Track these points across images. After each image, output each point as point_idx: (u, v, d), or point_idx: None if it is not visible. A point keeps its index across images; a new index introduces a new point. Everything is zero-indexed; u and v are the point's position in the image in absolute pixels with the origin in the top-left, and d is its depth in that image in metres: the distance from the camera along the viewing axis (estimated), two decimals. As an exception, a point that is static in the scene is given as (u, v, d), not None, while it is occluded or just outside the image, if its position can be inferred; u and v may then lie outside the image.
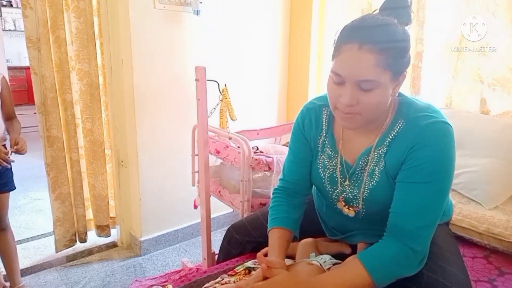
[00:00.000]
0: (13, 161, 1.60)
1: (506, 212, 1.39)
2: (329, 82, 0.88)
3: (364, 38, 0.79)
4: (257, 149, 1.82)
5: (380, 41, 0.79)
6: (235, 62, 2.37)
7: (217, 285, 0.98)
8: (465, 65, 1.77)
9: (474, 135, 1.56)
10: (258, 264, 1.05)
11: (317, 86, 2.57)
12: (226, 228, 1.32)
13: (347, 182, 0.99)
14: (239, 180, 1.60)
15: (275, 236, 1.02)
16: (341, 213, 1.05)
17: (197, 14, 2.08)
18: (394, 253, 0.86)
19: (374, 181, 0.94)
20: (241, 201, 1.60)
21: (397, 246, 0.86)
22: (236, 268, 1.06)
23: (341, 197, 1.01)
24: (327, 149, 1.02)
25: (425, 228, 0.87)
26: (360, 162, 0.96)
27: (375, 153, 0.93)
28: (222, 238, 1.31)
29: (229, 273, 1.05)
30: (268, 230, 1.06)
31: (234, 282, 0.98)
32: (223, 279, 1.01)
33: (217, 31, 2.24)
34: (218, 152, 1.70)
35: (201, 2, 2.05)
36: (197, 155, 1.68)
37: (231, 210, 2.23)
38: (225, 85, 1.70)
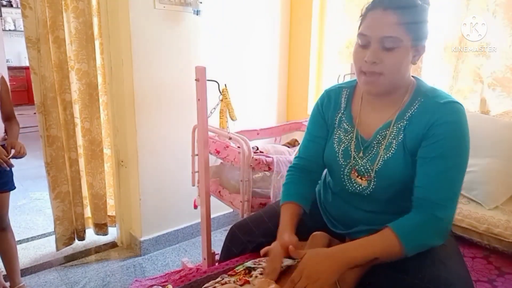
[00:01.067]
0: (12, 166, 1.60)
1: (506, 212, 1.39)
2: (355, 48, 0.97)
3: (388, 4, 0.89)
4: (257, 149, 1.82)
5: (402, 5, 0.89)
6: (235, 62, 2.37)
7: (217, 285, 0.98)
8: (465, 65, 1.77)
9: (474, 135, 1.54)
10: (258, 264, 1.05)
11: (317, 86, 2.57)
12: (226, 228, 1.32)
13: (361, 155, 1.03)
14: (239, 180, 1.59)
15: (288, 212, 1.08)
16: (348, 195, 1.08)
17: (197, 14, 2.08)
18: (423, 221, 0.91)
19: (390, 153, 0.98)
20: (241, 201, 1.60)
21: (425, 215, 0.91)
22: (236, 268, 1.06)
23: (354, 169, 1.05)
24: (344, 124, 1.08)
25: (448, 199, 0.92)
26: (378, 136, 1.01)
27: (395, 127, 0.99)
28: (222, 238, 1.31)
29: (229, 273, 1.05)
30: (280, 204, 1.12)
31: (234, 282, 0.98)
32: (223, 279, 1.01)
33: (217, 31, 2.24)
34: (218, 152, 1.70)
35: (201, 2, 2.05)
36: (197, 155, 1.68)
37: (231, 210, 2.23)
38: (225, 85, 1.70)
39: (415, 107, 0.97)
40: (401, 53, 0.90)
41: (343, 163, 1.06)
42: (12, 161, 1.60)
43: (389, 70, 0.91)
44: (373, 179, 1.01)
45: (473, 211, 1.43)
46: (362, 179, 1.03)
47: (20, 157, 1.62)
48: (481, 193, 1.45)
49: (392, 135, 0.98)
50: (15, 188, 1.70)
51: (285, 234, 1.00)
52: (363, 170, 1.02)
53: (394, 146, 0.98)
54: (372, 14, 0.92)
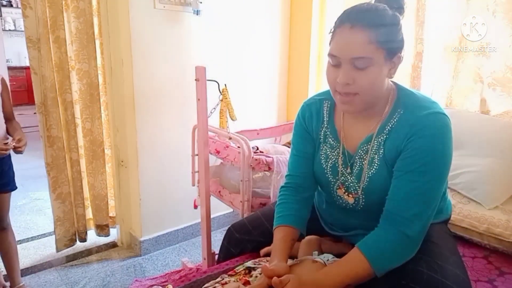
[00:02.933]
0: (8, 149, 1.55)
1: (506, 212, 1.39)
2: (327, 67, 0.93)
3: (355, 19, 0.85)
4: (257, 149, 1.82)
5: (370, 21, 0.84)
6: (235, 62, 2.37)
7: (217, 285, 0.98)
8: (465, 65, 1.77)
9: (474, 135, 1.56)
10: (258, 264, 1.05)
11: (317, 86, 2.57)
12: (226, 228, 1.32)
13: (348, 171, 1.01)
14: (239, 180, 1.60)
15: (279, 236, 1.02)
16: (340, 208, 1.06)
17: (197, 14, 2.08)
18: (391, 241, 0.89)
19: (374, 169, 0.96)
20: (241, 201, 1.60)
21: (393, 233, 0.89)
22: (236, 268, 1.06)
23: (342, 185, 1.03)
24: (329, 139, 1.05)
25: (420, 215, 0.89)
26: (360, 151, 0.98)
27: (375, 141, 0.96)
28: (222, 238, 1.31)
29: (229, 273, 1.05)
30: (273, 228, 1.06)
31: (234, 282, 0.98)
32: (223, 279, 1.01)
33: (217, 31, 2.24)
34: (218, 152, 1.70)
35: (201, 2, 2.05)
36: (197, 155, 1.68)
37: (231, 210, 2.23)
38: (225, 85, 1.70)
39: (395, 120, 0.93)
40: (374, 71, 0.86)
41: (332, 180, 1.05)
42: (13, 161, 1.59)
43: (364, 89, 0.87)
44: (361, 196, 1.00)
45: (473, 211, 1.43)
46: (349, 196, 1.02)
47: (19, 152, 1.58)
48: (481, 193, 1.45)
49: (373, 150, 0.96)
50: (16, 188, 1.70)
51: (274, 261, 0.95)
52: (351, 186, 1.01)
53: (376, 162, 0.96)
54: (340, 31, 0.87)
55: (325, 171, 1.05)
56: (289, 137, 2.27)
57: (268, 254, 1.14)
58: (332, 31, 0.91)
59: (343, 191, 1.03)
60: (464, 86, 1.79)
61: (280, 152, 1.82)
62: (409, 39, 1.94)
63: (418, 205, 0.89)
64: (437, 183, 0.90)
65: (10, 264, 1.76)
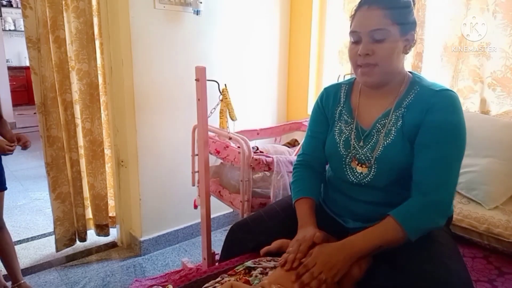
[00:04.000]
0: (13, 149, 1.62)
1: (506, 212, 1.39)
2: (349, 46, 1.04)
3: (372, 1, 0.97)
4: (257, 149, 1.82)
5: (385, 3, 0.96)
6: (235, 62, 2.37)
7: (217, 285, 0.98)
8: (465, 65, 1.77)
9: (474, 135, 1.56)
10: (258, 264, 1.05)
11: (317, 86, 2.57)
12: (226, 228, 1.32)
13: (361, 144, 1.07)
14: (239, 180, 1.59)
15: (306, 206, 1.11)
16: (348, 186, 1.10)
17: (197, 14, 2.08)
18: (421, 205, 0.95)
19: (389, 140, 1.02)
20: (241, 201, 1.60)
21: (423, 200, 0.96)
22: (236, 268, 1.06)
23: (354, 158, 1.08)
24: (344, 116, 1.13)
25: (445, 183, 0.96)
26: (377, 125, 1.05)
27: (393, 115, 1.03)
28: (222, 238, 1.31)
29: (229, 273, 1.05)
30: (294, 201, 1.15)
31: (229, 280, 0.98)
32: (223, 279, 1.01)
33: (217, 31, 2.24)
34: (218, 152, 1.70)
35: (201, 2, 2.05)
36: (197, 155, 1.68)
37: (231, 210, 2.23)
38: (225, 85, 1.70)
39: (412, 96, 1.01)
40: (391, 43, 0.96)
41: (344, 153, 1.10)
42: (12, 161, 1.60)
43: (382, 59, 0.97)
44: (373, 165, 1.04)
45: (473, 211, 1.43)
46: (362, 167, 1.07)
47: (26, 147, 1.66)
48: (481, 193, 1.45)
49: (391, 123, 1.02)
50: (6, 188, 1.70)
51: (309, 227, 1.04)
52: (363, 158, 1.06)
53: (393, 133, 1.02)
54: (360, 12, 0.99)
55: (338, 145, 1.11)
56: (289, 137, 2.27)
57: (268, 254, 1.14)
58: (352, 14, 1.03)
59: (356, 163, 1.08)
60: (464, 86, 1.79)
61: (280, 152, 1.82)
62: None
63: (442, 173, 0.95)
64: (457, 151, 0.96)
65: (9, 263, 1.77)
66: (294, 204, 1.15)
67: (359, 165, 1.07)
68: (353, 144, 1.08)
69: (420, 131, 0.98)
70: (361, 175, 1.07)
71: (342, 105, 1.14)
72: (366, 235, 0.95)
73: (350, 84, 1.16)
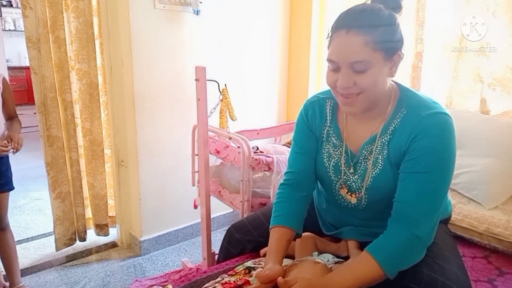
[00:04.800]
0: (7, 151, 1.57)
1: (506, 212, 1.39)
2: (327, 72, 0.93)
3: (350, 23, 0.85)
4: (257, 149, 1.82)
5: (365, 24, 0.84)
6: (235, 62, 2.37)
7: (217, 285, 0.98)
8: (465, 65, 1.77)
9: (474, 135, 1.56)
10: (258, 264, 1.05)
11: (317, 86, 2.57)
12: (226, 228, 1.32)
13: (351, 171, 1.01)
14: (239, 180, 1.59)
15: (275, 237, 1.01)
16: (341, 207, 1.06)
17: (197, 14, 2.08)
18: (401, 242, 0.88)
19: (378, 169, 0.96)
20: (241, 201, 1.60)
21: (403, 235, 0.89)
22: (236, 268, 1.06)
23: (344, 185, 1.03)
24: (332, 138, 1.04)
25: (428, 215, 0.89)
26: (364, 151, 0.98)
27: (379, 141, 0.96)
28: (222, 238, 1.31)
29: (229, 273, 1.05)
30: (270, 227, 1.05)
31: (234, 281, 0.98)
32: (223, 279, 1.01)
33: (217, 31, 2.24)
34: (218, 152, 1.70)
35: (201, 2, 2.05)
36: (197, 155, 1.68)
37: (231, 210, 2.23)
38: (225, 85, 1.70)
39: (398, 120, 0.93)
40: (374, 72, 0.86)
41: (334, 179, 1.04)
42: (11, 161, 1.59)
43: (366, 88, 0.87)
44: (364, 196, 1.00)
45: (473, 211, 1.43)
46: (352, 196, 1.02)
47: (14, 151, 1.59)
48: (481, 193, 1.45)
49: (378, 150, 0.96)
50: (13, 188, 1.70)
51: (269, 263, 0.94)
52: (354, 186, 1.01)
53: (380, 162, 0.96)
54: (337, 36, 0.87)
55: (328, 169, 1.05)
56: (289, 137, 2.26)
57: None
58: (329, 36, 0.91)
59: (346, 191, 1.03)
60: (464, 86, 1.79)
61: (280, 152, 1.82)
62: (409, 39, 1.94)
63: (425, 205, 0.89)
64: (443, 182, 0.90)
65: (9, 265, 1.76)
66: (269, 230, 1.05)
67: (349, 194, 1.02)
68: (344, 170, 1.02)
69: (405, 159, 0.91)
70: (351, 204, 1.03)
71: (329, 124, 1.05)
72: (344, 274, 0.88)
73: (334, 99, 1.01)
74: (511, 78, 1.64)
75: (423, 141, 0.88)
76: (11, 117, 1.69)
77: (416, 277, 0.90)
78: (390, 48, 0.87)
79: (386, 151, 0.95)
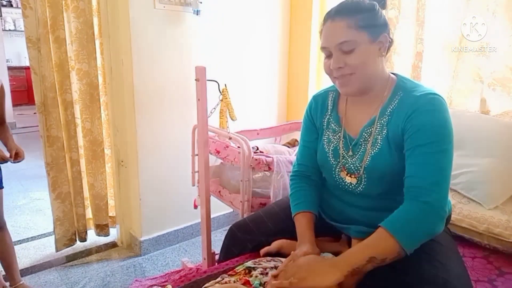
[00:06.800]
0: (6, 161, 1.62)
1: (506, 212, 1.39)
2: (323, 61, 1.04)
3: (334, 14, 0.98)
4: (257, 149, 1.81)
5: (346, 11, 0.96)
6: (235, 62, 2.37)
7: (217, 285, 0.98)
8: (465, 65, 1.77)
9: (474, 135, 1.56)
10: (258, 264, 1.05)
11: (317, 86, 2.57)
12: (226, 228, 1.32)
13: (350, 153, 1.07)
14: (239, 180, 1.59)
15: (304, 221, 1.10)
16: (341, 193, 1.10)
17: (197, 14, 2.08)
18: (413, 211, 0.91)
19: (376, 149, 1.01)
20: (241, 201, 1.60)
21: (415, 205, 0.91)
22: (236, 268, 1.06)
23: (344, 167, 1.08)
24: (332, 125, 1.13)
25: (436, 183, 0.91)
26: (364, 134, 1.04)
27: (378, 123, 1.02)
28: (222, 238, 1.31)
29: (229, 273, 1.05)
30: (294, 214, 1.14)
31: (234, 282, 0.98)
32: (223, 279, 1.01)
33: (217, 31, 2.24)
34: (218, 152, 1.70)
35: (201, 2, 2.05)
36: (197, 155, 1.68)
37: (231, 210, 2.23)
38: (225, 85, 1.70)
39: (395, 102, 1.00)
40: (362, 51, 0.95)
41: (333, 163, 1.10)
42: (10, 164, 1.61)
43: (357, 68, 0.96)
44: (363, 176, 1.04)
45: (473, 211, 1.43)
46: (351, 177, 1.06)
47: (19, 161, 1.67)
48: (481, 193, 1.45)
49: (377, 131, 1.01)
50: (3, 187, 1.69)
51: (305, 244, 1.03)
52: (352, 168, 1.05)
53: (379, 142, 1.01)
54: (325, 27, 1.00)
55: (327, 154, 1.11)
56: (289, 137, 2.26)
57: (267, 254, 1.14)
58: (320, 30, 1.04)
59: (346, 173, 1.08)
60: (464, 86, 1.79)
61: (280, 152, 1.82)
62: (409, 39, 1.94)
63: (433, 174, 0.91)
64: (446, 152, 0.93)
65: (8, 264, 1.77)
66: (294, 217, 1.14)
67: (349, 175, 1.07)
68: (342, 154, 1.08)
69: (406, 137, 0.96)
70: (352, 185, 1.07)
71: (329, 113, 1.14)
72: (358, 249, 0.91)
73: (337, 90, 1.12)
74: (511, 78, 1.64)
75: (419, 117, 0.93)
76: (1, 123, 1.71)
77: (418, 274, 0.90)
78: (374, 30, 0.96)
79: (385, 131, 1.00)
